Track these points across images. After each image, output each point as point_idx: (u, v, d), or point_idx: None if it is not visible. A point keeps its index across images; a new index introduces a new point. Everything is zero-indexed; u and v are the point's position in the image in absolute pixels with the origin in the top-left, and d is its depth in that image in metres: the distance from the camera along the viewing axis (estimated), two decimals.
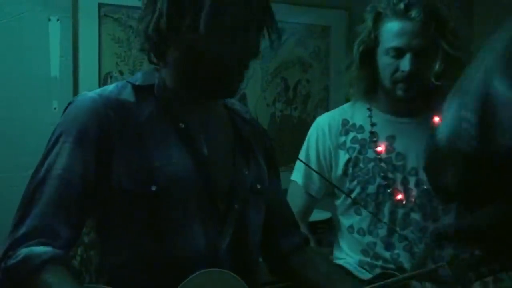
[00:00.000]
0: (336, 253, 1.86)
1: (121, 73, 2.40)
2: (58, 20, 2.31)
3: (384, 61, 1.69)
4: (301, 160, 1.82)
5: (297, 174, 1.87)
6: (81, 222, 1.16)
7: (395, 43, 1.65)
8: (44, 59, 2.30)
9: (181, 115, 1.21)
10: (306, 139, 1.88)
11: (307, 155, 1.85)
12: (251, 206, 1.28)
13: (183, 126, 1.20)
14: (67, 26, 2.32)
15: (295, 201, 1.85)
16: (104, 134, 1.14)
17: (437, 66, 1.63)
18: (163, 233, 1.16)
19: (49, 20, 2.30)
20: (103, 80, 2.39)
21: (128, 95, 1.20)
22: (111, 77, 2.40)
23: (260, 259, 1.39)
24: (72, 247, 1.14)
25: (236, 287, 1.16)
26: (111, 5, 2.39)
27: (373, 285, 1.33)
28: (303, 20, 2.76)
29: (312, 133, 1.87)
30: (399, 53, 1.65)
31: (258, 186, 1.30)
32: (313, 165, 1.83)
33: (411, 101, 1.72)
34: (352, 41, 1.79)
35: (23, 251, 1.07)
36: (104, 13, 2.38)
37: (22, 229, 1.10)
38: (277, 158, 1.45)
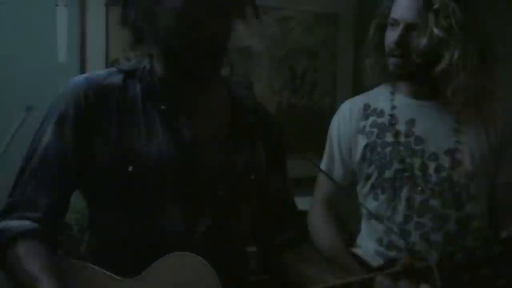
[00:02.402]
0: (359, 241, 1.86)
1: (128, 59, 2.39)
2: (65, 5, 2.30)
3: (386, 34, 1.69)
4: (318, 166, 1.81)
5: (322, 162, 1.87)
6: (62, 198, 1.22)
7: (393, 14, 1.66)
8: (51, 44, 2.30)
9: (164, 98, 1.24)
10: (330, 125, 1.88)
11: (330, 140, 1.86)
12: (240, 195, 1.28)
13: (164, 108, 1.22)
14: (75, 11, 2.32)
15: (320, 189, 1.86)
16: (83, 114, 1.20)
17: (422, 43, 1.60)
18: (139, 214, 1.20)
19: (57, 5, 2.29)
20: (110, 66, 2.38)
21: (115, 79, 1.25)
22: (118, 63, 2.39)
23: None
24: (52, 222, 1.19)
25: (203, 273, 1.16)
26: None
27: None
28: (311, 7, 2.74)
29: (335, 118, 1.87)
30: (394, 25, 1.65)
31: (252, 176, 1.30)
32: (335, 150, 1.83)
33: (404, 78, 1.70)
34: (361, 29, 1.78)
35: (2, 224, 1.15)
36: None
37: (4, 205, 1.18)
38: (284, 149, 1.43)
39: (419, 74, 1.67)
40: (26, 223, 1.15)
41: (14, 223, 1.15)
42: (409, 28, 1.62)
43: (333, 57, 2.82)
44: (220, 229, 1.24)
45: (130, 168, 1.18)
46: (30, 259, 1.10)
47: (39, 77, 2.28)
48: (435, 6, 1.59)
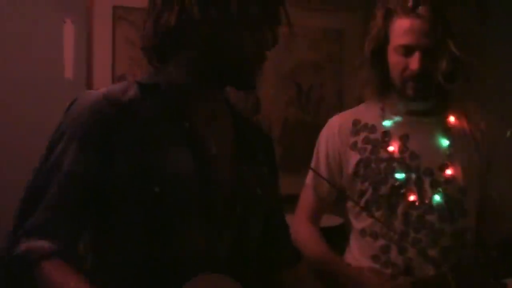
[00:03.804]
0: (347, 258, 1.84)
1: (134, 75, 2.40)
2: (72, 22, 2.32)
3: (393, 59, 1.68)
4: (312, 169, 1.81)
5: (309, 177, 1.86)
6: (84, 222, 1.17)
7: (403, 40, 1.64)
8: (58, 61, 2.31)
9: (186, 114, 1.21)
10: (317, 140, 1.87)
11: (317, 156, 1.84)
12: (251, 211, 1.26)
13: (187, 125, 1.19)
14: (82, 28, 2.33)
15: (304, 203, 1.85)
16: (107, 134, 1.14)
17: (444, 66, 1.62)
18: (162, 234, 1.15)
19: (64, 22, 2.31)
20: (118, 81, 2.39)
21: (133, 94, 1.19)
22: (125, 79, 2.40)
23: None
24: (74, 247, 1.15)
25: None
26: (125, 7, 2.39)
27: None
28: (316, 23, 2.75)
29: (323, 134, 1.86)
30: (408, 51, 1.64)
31: (259, 191, 1.28)
32: (322, 166, 1.81)
33: (423, 99, 1.71)
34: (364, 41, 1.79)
35: (24, 245, 1.09)
36: (119, 16, 2.38)
37: (24, 227, 1.11)
38: (277, 163, 1.43)
39: (435, 92, 1.68)
40: (49, 245, 1.09)
41: (38, 244, 1.08)
42: (427, 52, 1.63)
43: (340, 72, 2.81)
44: (240, 247, 1.22)
45: (156, 189, 1.12)
46: (64, 274, 1.06)
47: (46, 93, 2.28)
48: (454, 30, 1.61)
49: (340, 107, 2.77)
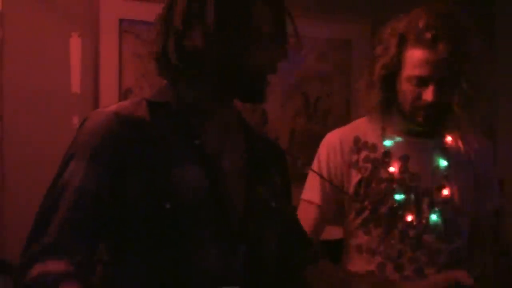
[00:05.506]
0: None
1: (141, 89, 2.40)
2: (79, 36, 2.32)
3: (406, 87, 1.66)
4: (320, 175, 1.78)
5: (312, 194, 1.81)
6: (96, 241, 1.16)
7: (418, 72, 1.62)
8: (64, 75, 2.31)
9: (197, 131, 1.21)
10: (316, 156, 1.82)
11: (320, 172, 1.79)
12: (266, 224, 1.26)
13: (198, 142, 1.20)
14: (88, 41, 2.34)
15: (309, 220, 1.79)
16: (118, 152, 1.14)
17: (457, 98, 1.62)
18: (176, 251, 1.15)
19: (70, 36, 2.31)
20: (124, 96, 2.40)
21: (143, 111, 1.20)
22: (131, 93, 2.40)
23: None
24: (87, 266, 1.13)
25: None
26: (132, 20, 2.40)
27: None
28: (324, 34, 2.74)
29: (322, 150, 1.81)
30: (421, 82, 1.62)
31: (273, 204, 1.28)
32: (327, 183, 1.79)
33: (431, 126, 1.71)
34: (371, 59, 1.76)
35: (38, 268, 1.07)
36: (125, 29, 2.39)
37: (37, 247, 1.10)
38: (289, 173, 1.42)
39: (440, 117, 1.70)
40: (63, 266, 1.07)
41: (51, 267, 1.07)
42: (441, 84, 1.62)
43: (347, 83, 2.81)
44: (255, 261, 1.22)
45: (168, 206, 1.13)
46: None
47: (53, 108, 2.28)
48: (466, 65, 1.61)
49: (348, 117, 2.77)
